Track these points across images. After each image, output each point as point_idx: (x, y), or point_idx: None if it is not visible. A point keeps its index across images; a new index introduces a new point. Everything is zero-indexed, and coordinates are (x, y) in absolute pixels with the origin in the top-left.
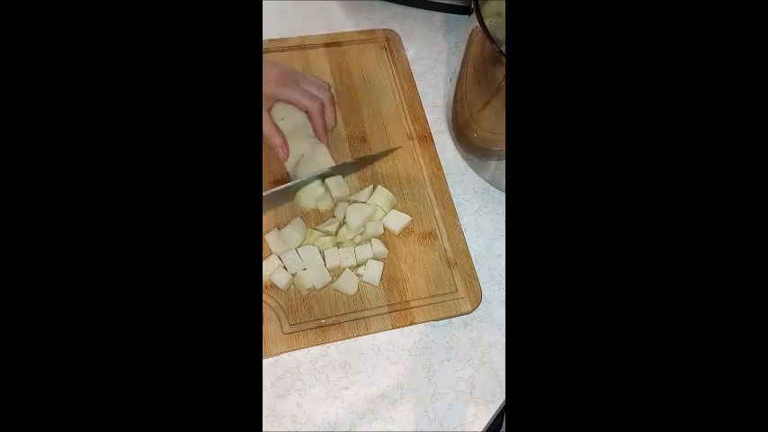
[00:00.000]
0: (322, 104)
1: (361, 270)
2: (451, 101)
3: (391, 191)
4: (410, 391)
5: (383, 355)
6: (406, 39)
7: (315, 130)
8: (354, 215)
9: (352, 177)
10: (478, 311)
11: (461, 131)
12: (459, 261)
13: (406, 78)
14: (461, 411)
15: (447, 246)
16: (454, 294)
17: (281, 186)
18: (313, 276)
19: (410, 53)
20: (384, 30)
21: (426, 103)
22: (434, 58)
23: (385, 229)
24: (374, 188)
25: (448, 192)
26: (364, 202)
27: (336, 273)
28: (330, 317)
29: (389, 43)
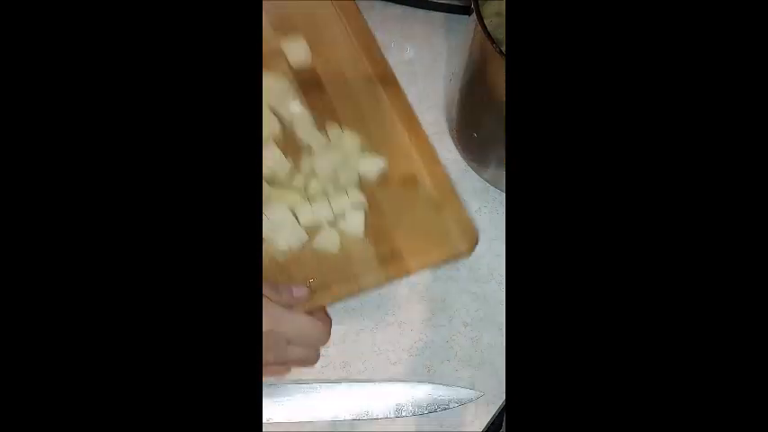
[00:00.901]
0: None
1: (341, 225)
2: (451, 101)
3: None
4: None
5: (383, 355)
6: (406, 39)
7: None
8: (323, 163)
9: (314, 129)
10: (479, 311)
11: (461, 132)
12: (447, 201)
13: (354, 19)
14: (461, 411)
15: (430, 187)
16: (447, 237)
17: None
18: (288, 237)
19: (410, 53)
20: None
21: (426, 103)
22: (434, 58)
23: (360, 178)
24: (342, 132)
25: (422, 130)
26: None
27: (314, 232)
28: (314, 280)
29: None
